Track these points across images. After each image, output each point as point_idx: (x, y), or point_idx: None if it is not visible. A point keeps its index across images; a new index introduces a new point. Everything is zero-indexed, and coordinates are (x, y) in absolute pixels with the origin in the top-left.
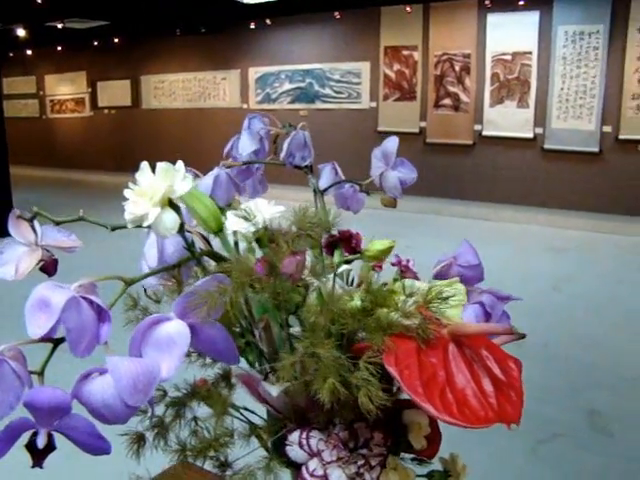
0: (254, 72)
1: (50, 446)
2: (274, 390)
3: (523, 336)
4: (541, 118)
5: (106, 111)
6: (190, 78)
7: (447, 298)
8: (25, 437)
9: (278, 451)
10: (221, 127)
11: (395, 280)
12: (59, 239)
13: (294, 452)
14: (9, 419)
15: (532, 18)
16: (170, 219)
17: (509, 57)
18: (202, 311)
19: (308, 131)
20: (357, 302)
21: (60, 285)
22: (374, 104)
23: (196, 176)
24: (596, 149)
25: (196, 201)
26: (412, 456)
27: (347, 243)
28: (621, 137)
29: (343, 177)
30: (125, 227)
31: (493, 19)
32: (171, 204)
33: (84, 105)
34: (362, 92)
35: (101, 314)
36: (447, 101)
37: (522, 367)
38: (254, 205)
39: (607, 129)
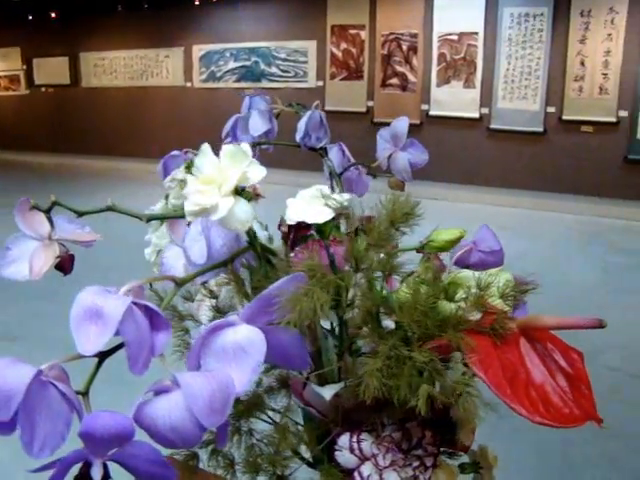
0: (198, 50)
1: (105, 477)
2: (327, 392)
3: (604, 326)
4: (487, 98)
5: (43, 89)
6: (132, 56)
7: (526, 291)
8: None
9: (322, 458)
10: (164, 106)
11: (427, 268)
12: (75, 232)
13: (344, 457)
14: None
15: None
16: (244, 211)
17: (456, 37)
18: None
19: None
20: (450, 305)
21: (108, 290)
22: (321, 83)
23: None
24: (540, 129)
25: None
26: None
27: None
28: (564, 117)
29: (352, 159)
30: (159, 218)
31: (440, 0)
32: (237, 192)
33: (19, 83)
34: (309, 71)
35: (154, 321)
36: (394, 81)
37: (584, 358)
38: (318, 192)
39: (551, 110)
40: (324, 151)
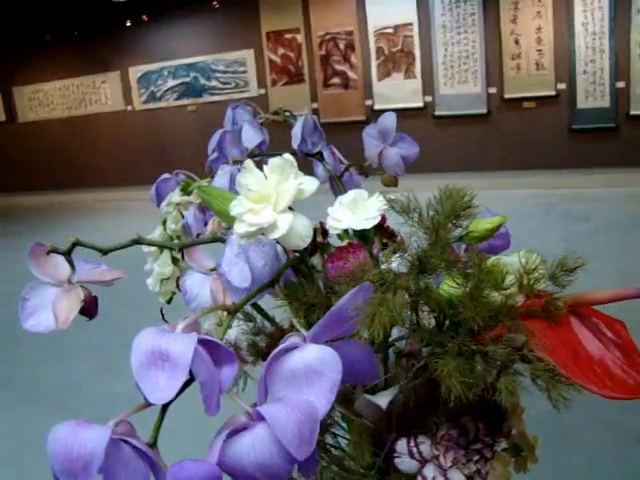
0: (135, 72)
1: None
2: (383, 400)
3: None
4: (429, 86)
5: None
6: (68, 85)
7: (575, 269)
8: None
9: (388, 469)
10: (107, 132)
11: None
12: (94, 271)
13: (404, 464)
14: None
15: None
16: (304, 225)
17: (391, 30)
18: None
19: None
20: (498, 294)
21: (165, 329)
22: (263, 91)
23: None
24: (484, 110)
25: (227, 203)
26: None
27: (384, 231)
28: (506, 96)
29: (345, 161)
30: (193, 245)
31: None
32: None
33: None
34: (249, 80)
35: (216, 356)
36: (336, 80)
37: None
38: (359, 196)
39: (492, 90)
40: (321, 156)
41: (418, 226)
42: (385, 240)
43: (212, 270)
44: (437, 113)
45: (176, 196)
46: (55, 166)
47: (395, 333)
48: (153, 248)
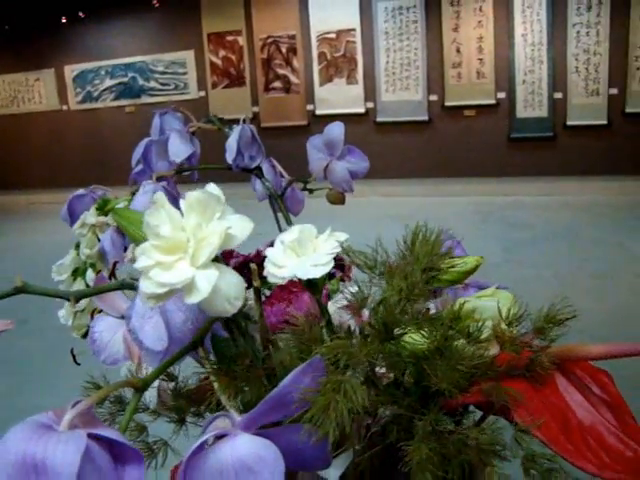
0: (71, 70)
1: None
2: (334, 473)
3: None
4: (371, 92)
5: None
6: None
7: (563, 321)
8: None
9: None
10: (41, 132)
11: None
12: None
13: None
14: None
15: None
16: (233, 283)
17: (334, 35)
18: (326, 427)
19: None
20: (471, 347)
21: (43, 422)
22: (203, 93)
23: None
24: (425, 118)
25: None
26: None
27: (342, 270)
28: (447, 104)
29: (287, 175)
30: (91, 294)
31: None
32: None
33: None
34: (189, 82)
35: (116, 452)
36: (277, 84)
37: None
38: (305, 234)
39: (433, 98)
40: (260, 171)
41: (387, 285)
42: (344, 279)
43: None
44: (379, 119)
45: (91, 216)
46: None
47: None
48: (65, 275)
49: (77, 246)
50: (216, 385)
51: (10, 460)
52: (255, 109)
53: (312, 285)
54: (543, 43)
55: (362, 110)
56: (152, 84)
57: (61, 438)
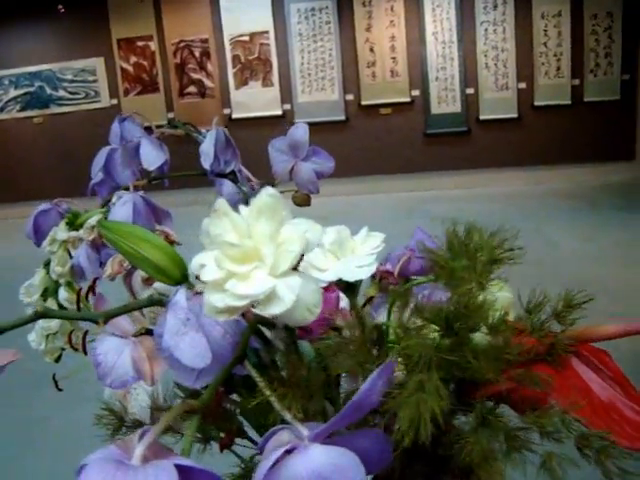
0: None
1: None
2: None
3: None
4: (287, 94)
5: None
6: None
7: (580, 304)
8: None
9: None
10: None
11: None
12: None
13: None
14: None
15: None
16: (313, 291)
17: (247, 38)
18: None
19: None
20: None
21: (116, 457)
22: (115, 101)
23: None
24: (343, 117)
25: (141, 243)
26: None
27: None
28: (363, 103)
29: (255, 180)
30: (117, 314)
31: (225, 2)
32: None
33: None
34: (100, 90)
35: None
36: (192, 88)
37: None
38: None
39: (350, 97)
40: (235, 176)
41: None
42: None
43: (140, 334)
44: (296, 121)
45: (62, 232)
46: None
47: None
48: (35, 297)
49: (46, 264)
50: (274, 401)
51: None
52: (170, 115)
53: (350, 288)
54: (453, 41)
55: (279, 112)
56: (61, 93)
57: (148, 472)
